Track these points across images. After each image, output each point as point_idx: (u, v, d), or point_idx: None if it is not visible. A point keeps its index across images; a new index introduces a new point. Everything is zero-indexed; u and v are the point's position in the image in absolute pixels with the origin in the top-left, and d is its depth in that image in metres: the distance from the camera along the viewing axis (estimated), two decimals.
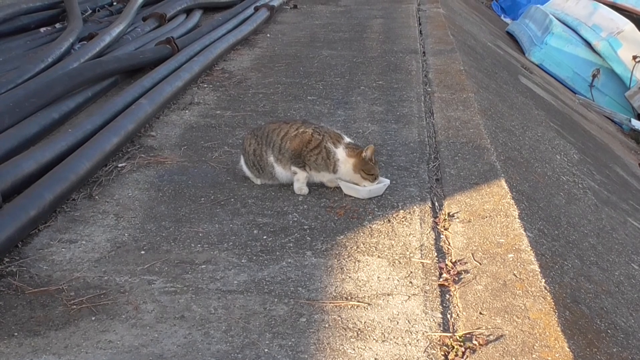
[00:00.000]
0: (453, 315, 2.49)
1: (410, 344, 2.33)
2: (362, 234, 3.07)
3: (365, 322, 2.44)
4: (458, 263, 2.82)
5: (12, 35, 6.64)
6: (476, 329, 2.39)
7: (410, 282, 2.67)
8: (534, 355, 2.23)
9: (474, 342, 2.32)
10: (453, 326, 2.43)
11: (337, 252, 2.89)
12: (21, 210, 2.94)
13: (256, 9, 8.06)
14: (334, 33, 7.62)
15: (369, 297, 2.58)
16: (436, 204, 3.38)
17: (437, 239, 3.05)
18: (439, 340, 2.35)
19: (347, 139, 3.44)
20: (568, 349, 2.24)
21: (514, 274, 2.67)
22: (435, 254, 2.90)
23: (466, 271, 2.75)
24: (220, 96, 5.16)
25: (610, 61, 9.89)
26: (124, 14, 6.92)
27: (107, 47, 6.02)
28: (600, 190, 4.60)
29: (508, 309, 2.46)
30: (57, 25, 7.14)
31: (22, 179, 3.28)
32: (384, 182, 3.45)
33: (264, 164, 3.46)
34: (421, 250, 2.93)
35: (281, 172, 3.45)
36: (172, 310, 2.48)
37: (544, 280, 2.61)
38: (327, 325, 2.41)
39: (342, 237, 3.03)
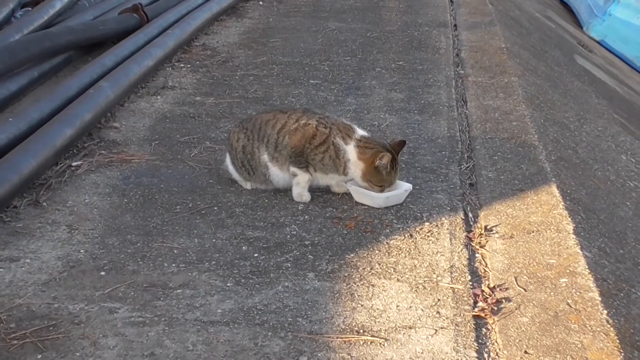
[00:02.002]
0: (491, 354, 2.50)
1: None
2: (377, 251, 3.08)
3: None
4: (497, 289, 2.83)
5: None
6: None
7: (438, 313, 2.68)
8: None
9: None
10: None
11: (346, 274, 2.90)
12: None
13: None
14: (343, 0, 7.64)
15: (385, 330, 2.59)
16: (470, 215, 3.39)
17: (471, 258, 3.05)
18: None
19: (360, 132, 3.45)
20: None
21: (568, 304, 2.67)
22: (469, 277, 2.91)
23: (508, 299, 2.76)
24: (200, 79, 5.17)
25: None
26: None
27: (58, 15, 6.04)
28: None
29: (560, 347, 2.47)
30: None
31: None
32: (404, 188, 3.47)
33: (256, 163, 3.48)
34: (451, 272, 2.94)
35: (277, 173, 3.46)
36: (140, 346, 2.49)
37: (605, 311, 2.62)
38: None
39: (352, 255, 3.04)
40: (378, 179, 3.35)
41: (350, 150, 3.37)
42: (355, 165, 3.37)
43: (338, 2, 7.54)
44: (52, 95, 4.27)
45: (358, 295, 2.77)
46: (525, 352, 2.47)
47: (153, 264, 2.95)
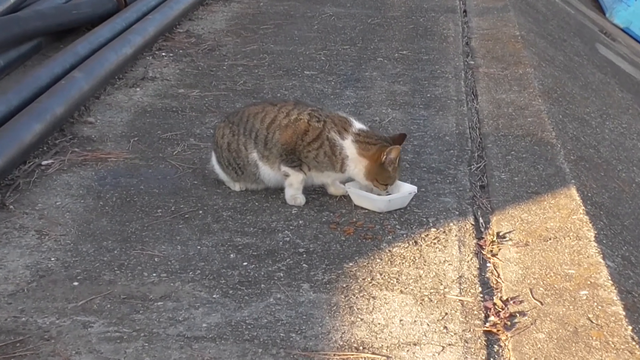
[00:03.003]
0: None
1: None
2: (378, 260, 3.08)
3: None
4: (511, 302, 2.83)
5: None
6: None
7: (445, 328, 2.69)
8: None
9: None
10: None
11: (344, 285, 2.91)
12: None
13: None
14: None
15: (388, 347, 2.59)
16: (481, 220, 3.39)
17: (482, 268, 3.06)
18: None
19: (358, 125, 3.44)
20: None
21: (589, 318, 2.68)
22: (480, 289, 2.92)
23: (522, 313, 2.76)
24: (184, 69, 5.17)
25: None
26: None
27: None
28: None
29: None
30: None
31: None
32: (408, 190, 3.47)
33: (244, 162, 3.48)
34: (460, 283, 2.94)
35: (268, 173, 3.47)
36: None
37: (630, 327, 2.62)
38: None
39: (351, 264, 3.05)
40: (385, 176, 3.35)
41: (348, 146, 3.37)
42: (355, 162, 3.37)
43: None
44: (19, 86, 4.26)
45: (357, 309, 2.77)
46: None
47: (131, 273, 2.95)
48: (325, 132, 3.39)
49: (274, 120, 3.43)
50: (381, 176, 3.36)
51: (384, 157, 3.31)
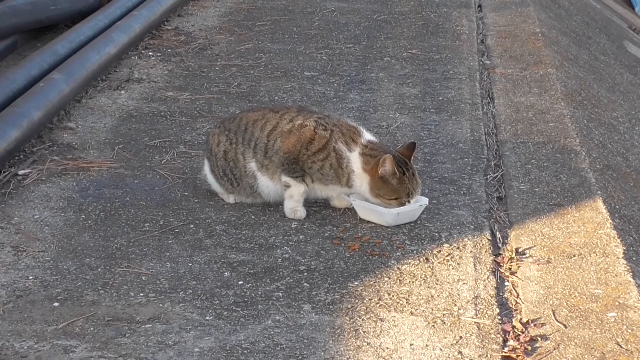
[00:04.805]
0: None
1: None
2: (386, 278, 3.09)
3: None
4: (531, 324, 2.84)
5: None
6: None
7: (460, 353, 2.69)
8: None
9: None
10: None
11: (349, 306, 2.91)
12: None
13: None
14: None
15: None
16: (498, 235, 3.40)
17: (500, 287, 3.07)
18: None
19: (367, 136, 3.46)
20: None
21: (618, 343, 2.69)
22: (497, 310, 2.92)
23: (544, 337, 2.77)
24: (173, 70, 5.18)
25: None
26: None
27: None
28: None
29: None
30: None
31: None
32: (419, 202, 3.47)
33: (240, 172, 3.49)
34: (476, 304, 2.95)
35: (266, 185, 3.48)
36: None
37: None
38: None
39: (356, 283, 3.05)
40: (388, 190, 3.35)
41: (355, 159, 3.38)
42: (360, 178, 3.37)
43: None
44: None
45: (363, 332, 2.78)
46: None
47: (116, 293, 2.96)
48: (332, 143, 3.39)
49: (275, 127, 3.44)
50: (383, 190, 3.36)
51: (380, 168, 3.32)
